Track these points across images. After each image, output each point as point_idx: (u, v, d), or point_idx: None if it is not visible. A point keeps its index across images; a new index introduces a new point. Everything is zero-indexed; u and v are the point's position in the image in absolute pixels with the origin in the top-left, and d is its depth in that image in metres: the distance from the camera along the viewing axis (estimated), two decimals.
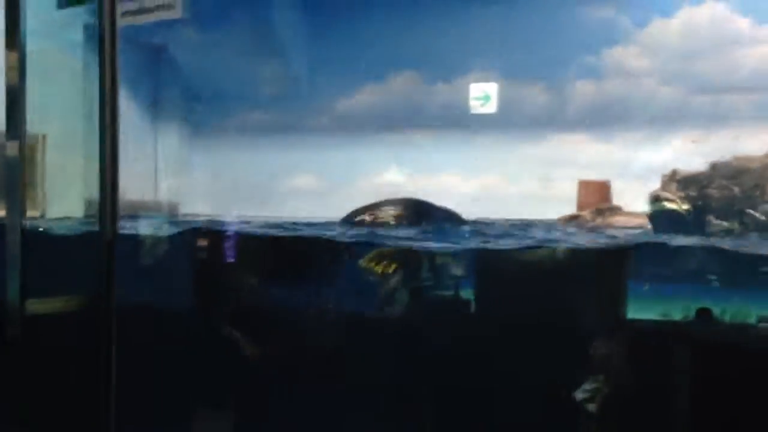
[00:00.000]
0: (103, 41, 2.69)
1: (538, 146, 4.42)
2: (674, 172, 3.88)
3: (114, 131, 2.70)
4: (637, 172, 4.04)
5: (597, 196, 4.18)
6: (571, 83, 4.35)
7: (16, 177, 2.54)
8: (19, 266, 2.51)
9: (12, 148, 2.54)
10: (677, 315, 3.36)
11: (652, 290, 3.51)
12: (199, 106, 5.31)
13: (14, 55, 2.56)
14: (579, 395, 2.92)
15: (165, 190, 5.18)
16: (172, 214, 5.11)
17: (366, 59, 4.98)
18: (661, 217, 3.84)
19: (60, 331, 2.66)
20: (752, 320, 3.28)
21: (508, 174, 4.58)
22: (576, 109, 4.35)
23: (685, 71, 4.02)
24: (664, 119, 3.94)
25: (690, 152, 3.89)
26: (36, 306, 2.55)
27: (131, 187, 4.14)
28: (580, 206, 4.20)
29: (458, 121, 4.59)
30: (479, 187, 4.69)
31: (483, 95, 4.47)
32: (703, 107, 3.89)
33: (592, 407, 2.89)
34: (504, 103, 4.38)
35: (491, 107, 4.44)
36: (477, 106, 4.47)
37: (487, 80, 4.46)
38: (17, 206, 2.54)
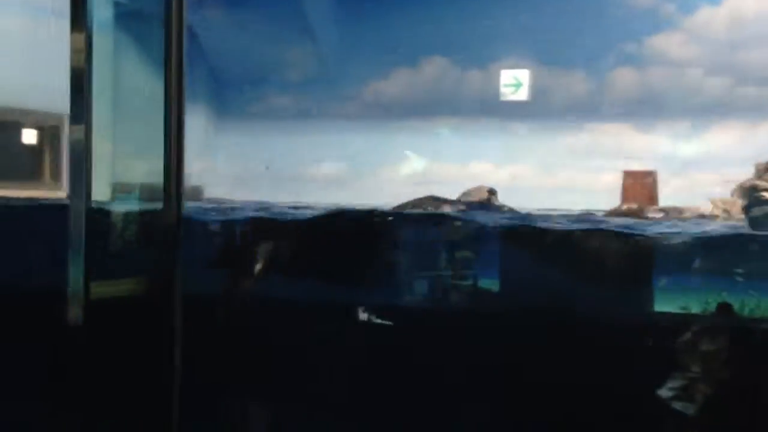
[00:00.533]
0: (169, 15, 2.66)
1: (577, 135, 4.39)
2: None
3: (180, 108, 2.68)
4: (681, 163, 4.01)
5: (642, 185, 4.13)
6: (611, 71, 4.31)
7: (81, 160, 2.53)
8: (83, 249, 2.51)
9: (77, 132, 2.54)
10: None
11: None
12: (226, 89, 5.26)
13: (79, 37, 2.54)
14: (665, 393, 2.85)
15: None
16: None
17: (396, 45, 4.92)
18: (758, 208, 3.76)
19: (125, 315, 2.66)
20: None
21: (543, 163, 4.53)
22: (617, 98, 4.31)
23: (732, 61, 4.00)
24: (710, 109, 3.91)
25: (736, 143, 3.87)
26: (101, 289, 2.55)
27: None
28: (626, 196, 4.16)
29: (490, 108, 4.54)
30: (511, 177, 4.65)
31: (514, 82, 4.41)
32: (750, 98, 3.87)
33: (680, 406, 2.81)
34: (540, 90, 4.33)
35: (522, 94, 4.38)
36: (508, 93, 4.41)
37: (521, 67, 4.40)
38: (83, 189, 2.54)
